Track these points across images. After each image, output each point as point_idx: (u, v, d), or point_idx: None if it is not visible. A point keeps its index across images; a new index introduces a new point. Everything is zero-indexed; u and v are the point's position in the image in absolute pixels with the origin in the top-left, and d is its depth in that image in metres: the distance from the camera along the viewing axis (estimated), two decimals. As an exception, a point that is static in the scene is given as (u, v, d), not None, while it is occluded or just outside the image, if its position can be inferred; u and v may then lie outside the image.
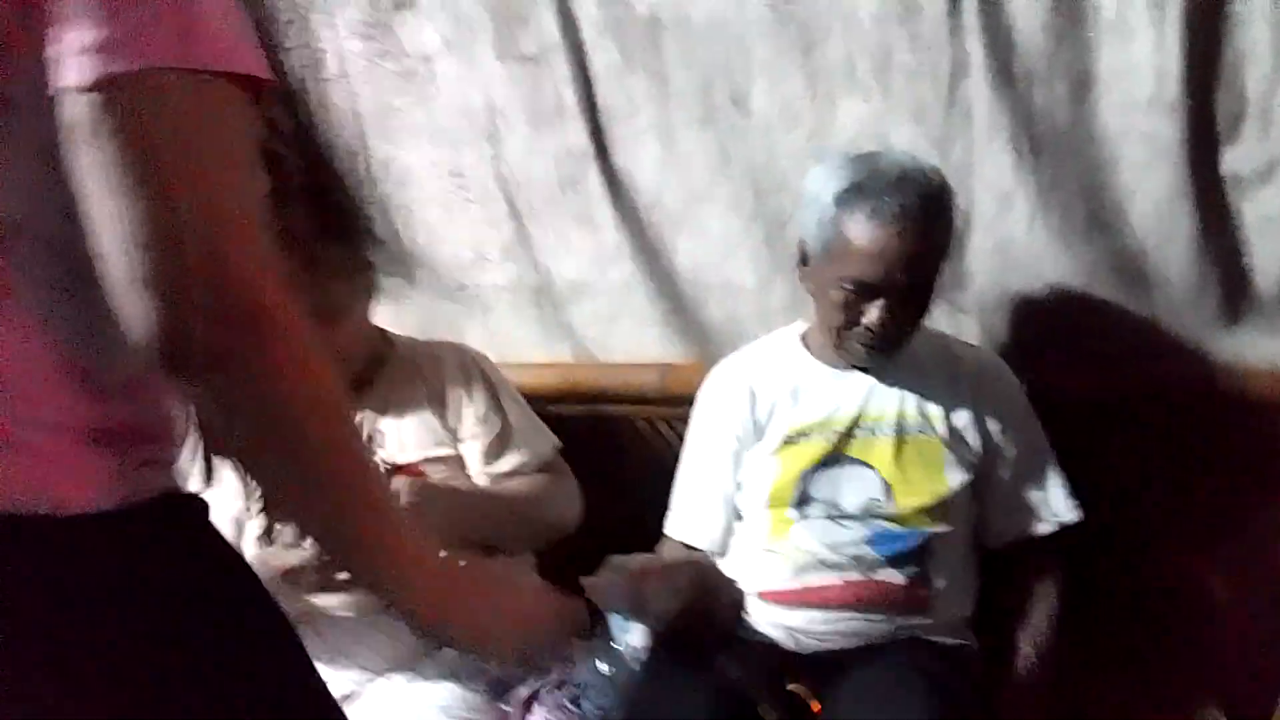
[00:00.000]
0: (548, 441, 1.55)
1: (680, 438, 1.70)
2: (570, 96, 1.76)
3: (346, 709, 1.33)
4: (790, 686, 1.28)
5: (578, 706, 1.29)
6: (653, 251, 1.78)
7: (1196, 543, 1.56)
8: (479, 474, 1.49)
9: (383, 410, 1.50)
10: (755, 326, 1.73)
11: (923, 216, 1.36)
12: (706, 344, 1.77)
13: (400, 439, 1.48)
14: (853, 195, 1.38)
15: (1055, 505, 1.46)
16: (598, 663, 1.32)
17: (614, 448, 1.75)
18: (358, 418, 1.49)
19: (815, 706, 1.24)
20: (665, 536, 1.55)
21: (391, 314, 1.86)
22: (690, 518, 1.53)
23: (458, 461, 1.50)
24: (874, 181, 1.38)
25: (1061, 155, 1.58)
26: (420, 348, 1.57)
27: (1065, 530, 1.46)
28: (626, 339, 1.80)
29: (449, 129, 1.83)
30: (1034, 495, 1.47)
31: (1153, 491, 1.56)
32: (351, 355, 1.47)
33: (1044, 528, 1.46)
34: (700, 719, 1.22)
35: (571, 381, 1.76)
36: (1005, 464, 1.46)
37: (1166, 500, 1.56)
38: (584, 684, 1.30)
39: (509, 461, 1.50)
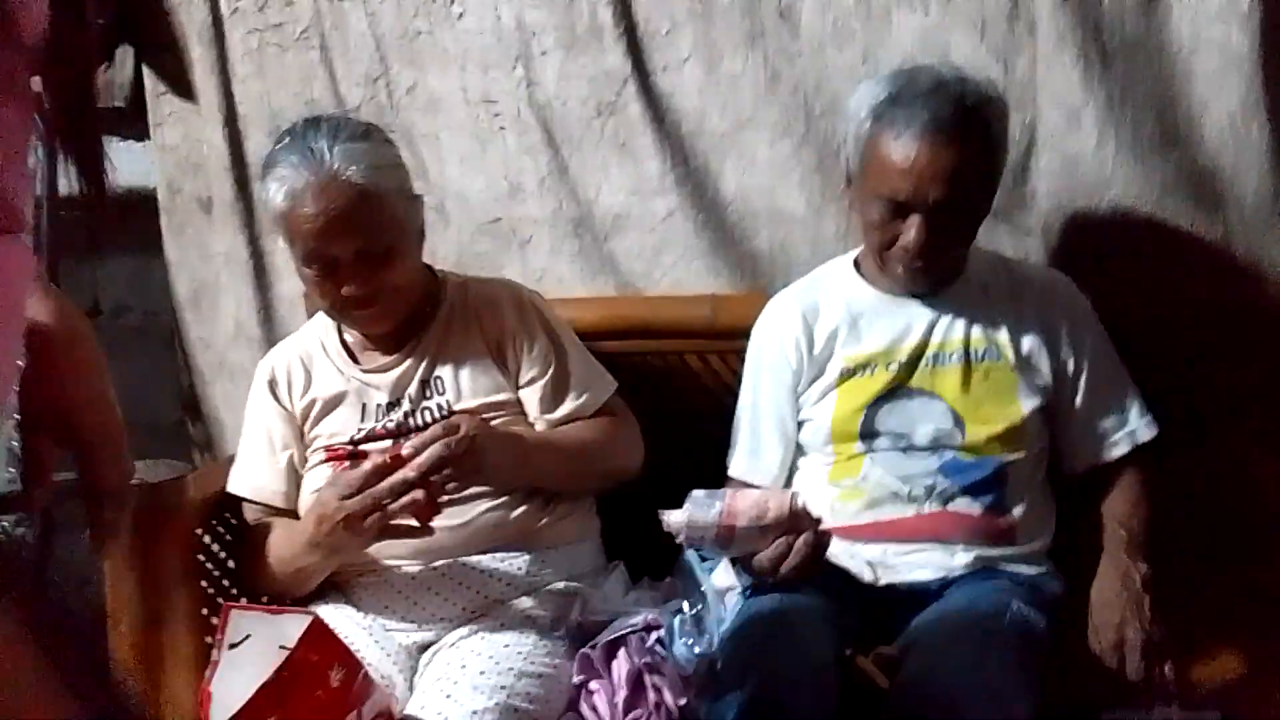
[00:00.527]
0: (607, 384, 1.49)
1: (733, 372, 1.65)
2: (607, 16, 1.67)
3: (425, 658, 1.33)
4: (859, 661, 1.23)
5: (666, 649, 1.24)
6: (698, 180, 1.70)
7: (1267, 467, 1.53)
8: (538, 419, 1.43)
9: (439, 355, 1.44)
10: (808, 256, 1.67)
11: (957, 128, 1.29)
12: (756, 275, 1.71)
13: (459, 385, 1.42)
14: (886, 108, 1.33)
15: (1132, 423, 1.42)
16: (684, 604, 1.27)
17: (663, 384, 1.69)
18: (415, 363, 1.43)
19: (883, 682, 1.20)
20: (728, 476, 1.50)
21: (424, 249, 1.79)
22: (751, 456, 1.48)
23: (517, 405, 1.44)
24: (908, 93, 1.32)
25: (1132, 67, 1.52)
26: (473, 287, 1.50)
27: (1141, 450, 1.42)
28: (672, 271, 1.73)
29: (477, 52, 1.74)
30: (1109, 416, 1.42)
31: (1222, 412, 1.53)
32: (406, 295, 1.41)
33: (1120, 449, 1.41)
34: (806, 664, 1.17)
35: (616, 316, 1.68)
36: (1078, 385, 1.41)
37: (1237, 421, 1.53)
38: (671, 626, 1.24)
39: (568, 406, 1.44)
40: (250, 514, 1.43)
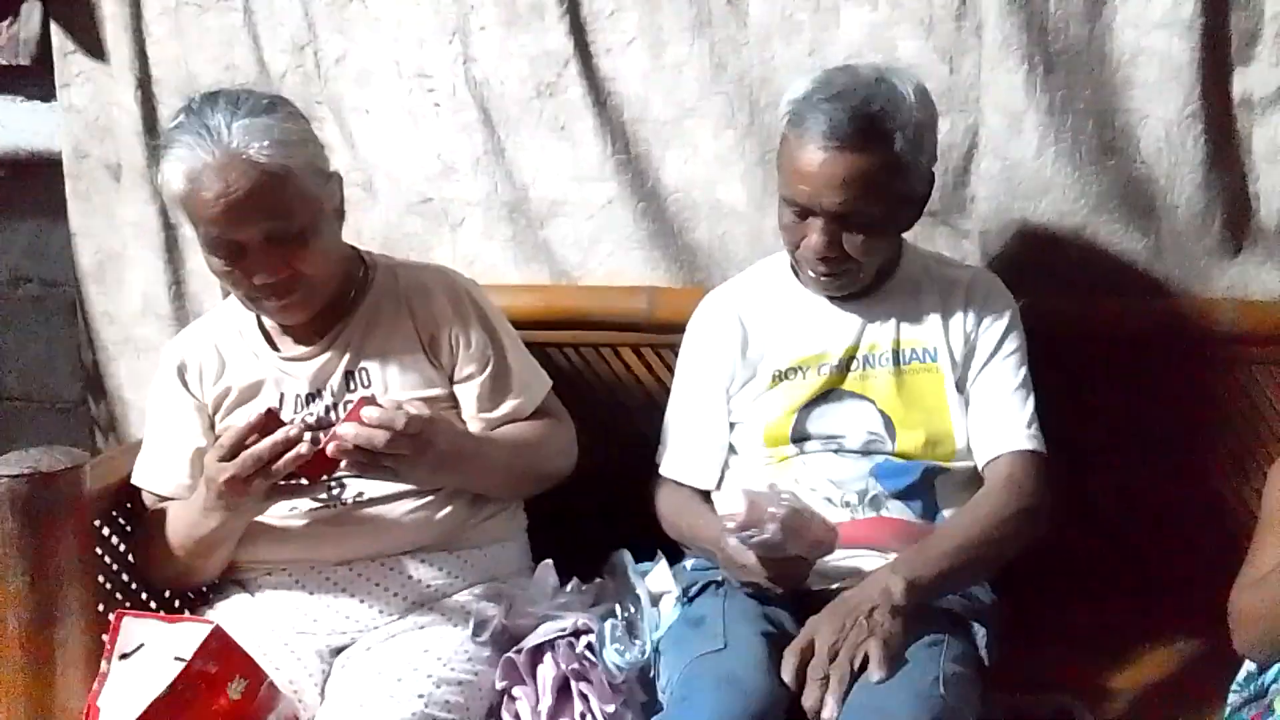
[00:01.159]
0: (543, 381, 1.44)
1: (668, 366, 1.62)
2: (550, -7, 1.61)
3: (338, 662, 1.27)
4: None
5: (595, 655, 1.20)
6: (638, 168, 1.66)
7: (1182, 477, 1.55)
8: (474, 418, 1.37)
9: (365, 345, 1.35)
10: (747, 250, 1.64)
11: (855, 137, 1.25)
12: (694, 269, 1.68)
13: (385, 377, 1.34)
14: (798, 107, 1.31)
15: (1016, 432, 1.34)
16: (616, 607, 1.23)
17: (597, 376, 1.65)
18: (338, 353, 1.35)
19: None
20: (659, 475, 1.46)
21: (348, 228, 1.71)
22: (685, 457, 1.45)
23: (450, 401, 1.37)
24: (818, 94, 1.29)
25: (1074, 74, 1.52)
26: (404, 273, 1.41)
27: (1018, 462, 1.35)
28: (608, 261, 1.69)
29: (413, 24, 1.67)
30: (999, 419, 1.36)
31: (1143, 424, 1.55)
32: (323, 281, 1.31)
33: (993, 453, 1.34)
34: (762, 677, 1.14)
35: (550, 305, 1.64)
36: (979, 380, 1.38)
37: (1154, 433, 1.55)
38: (601, 631, 1.20)
39: (507, 406, 1.37)
40: (152, 506, 1.35)
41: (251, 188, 1.21)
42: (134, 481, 1.36)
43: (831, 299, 1.41)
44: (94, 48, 1.78)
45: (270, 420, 1.17)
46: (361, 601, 1.29)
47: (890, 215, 1.33)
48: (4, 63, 1.83)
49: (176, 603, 1.41)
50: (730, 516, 1.19)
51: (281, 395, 1.35)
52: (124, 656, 1.08)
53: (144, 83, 1.76)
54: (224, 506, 1.21)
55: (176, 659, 1.05)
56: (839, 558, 1.29)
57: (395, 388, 1.33)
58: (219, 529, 1.24)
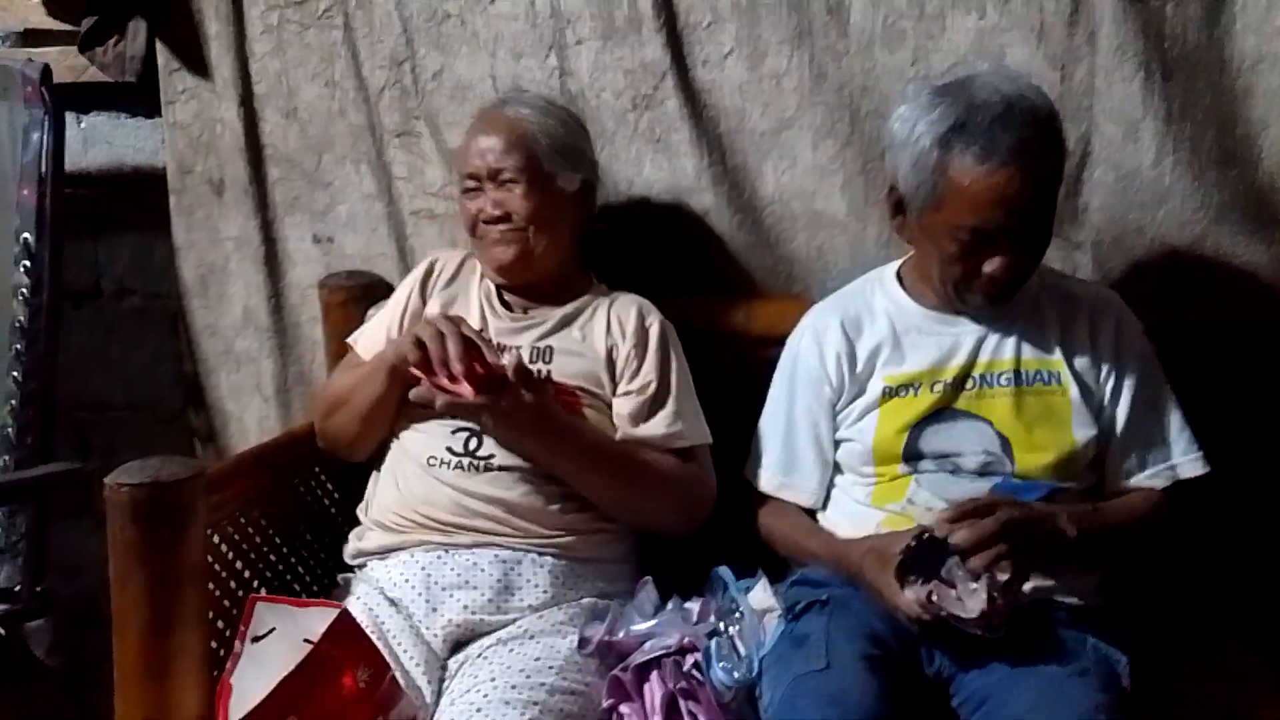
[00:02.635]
0: (702, 430, 1.47)
1: (767, 380, 1.59)
2: (646, 6, 1.61)
3: (452, 666, 1.27)
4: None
5: (702, 674, 1.18)
6: (735, 179, 1.64)
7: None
8: (623, 430, 1.43)
9: (559, 331, 1.48)
10: (847, 262, 1.61)
11: (1040, 150, 1.24)
12: (793, 280, 1.65)
13: (565, 361, 1.45)
14: (957, 135, 1.24)
15: (1176, 457, 1.36)
16: (721, 625, 1.21)
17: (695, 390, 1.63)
18: (534, 328, 1.48)
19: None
20: (760, 494, 1.44)
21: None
22: (787, 472, 1.42)
23: (606, 405, 1.45)
24: (979, 116, 1.23)
25: (1192, 81, 1.47)
26: (617, 296, 1.54)
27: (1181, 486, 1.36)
28: (706, 272, 1.67)
29: (509, 39, 1.67)
30: (1151, 446, 1.35)
31: (1264, 442, 1.48)
32: (538, 234, 1.47)
33: (1158, 481, 1.35)
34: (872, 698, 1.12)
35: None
36: (1120, 410, 1.35)
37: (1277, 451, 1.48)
38: (708, 650, 1.18)
39: (654, 427, 1.42)
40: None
41: (507, 133, 1.46)
42: (349, 339, 1.57)
43: (943, 313, 1.37)
44: (198, 65, 1.82)
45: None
46: (477, 590, 1.32)
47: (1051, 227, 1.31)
48: (111, 80, 1.87)
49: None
50: (949, 599, 1.15)
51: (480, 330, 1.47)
52: (256, 639, 1.10)
53: (246, 99, 1.79)
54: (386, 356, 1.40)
55: (305, 641, 1.06)
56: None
57: (568, 372, 1.44)
58: (382, 392, 1.41)
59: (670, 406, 1.43)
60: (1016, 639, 1.17)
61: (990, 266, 1.27)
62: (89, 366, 2.00)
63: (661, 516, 1.42)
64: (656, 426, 1.42)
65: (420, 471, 1.40)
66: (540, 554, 1.35)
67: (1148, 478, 1.35)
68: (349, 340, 1.56)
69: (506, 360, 1.34)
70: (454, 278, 1.55)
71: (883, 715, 1.11)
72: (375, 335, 1.52)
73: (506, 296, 1.53)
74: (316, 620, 1.09)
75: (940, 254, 1.30)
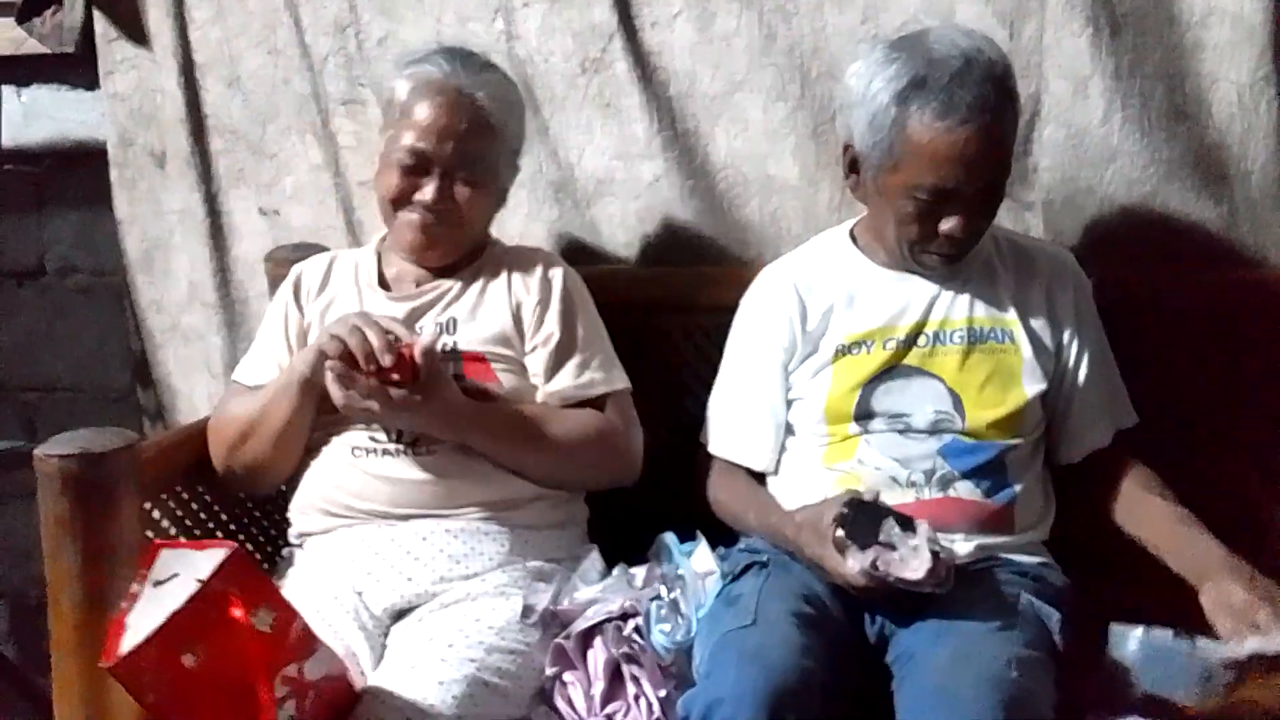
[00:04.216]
0: (618, 377, 1.43)
1: (717, 348, 1.58)
2: (594, -35, 1.58)
3: (393, 633, 1.25)
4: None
5: (643, 638, 1.17)
6: (686, 144, 1.62)
7: (1260, 451, 1.48)
8: (540, 388, 1.40)
9: (460, 299, 1.43)
10: (800, 227, 1.60)
11: (998, 106, 1.22)
12: (746, 246, 1.64)
13: (471, 330, 1.40)
14: (915, 92, 1.22)
15: (1118, 410, 1.37)
16: (663, 590, 1.20)
17: (644, 358, 1.61)
18: (433, 301, 1.43)
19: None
20: (711, 456, 1.43)
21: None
22: (740, 436, 1.41)
23: (519, 366, 1.41)
24: (937, 73, 1.21)
25: (1141, 37, 1.46)
26: (513, 250, 1.50)
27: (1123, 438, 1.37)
28: (657, 240, 1.65)
29: (455, 3, 1.65)
30: (1102, 403, 1.36)
31: (1216, 398, 1.48)
32: (468, 231, 1.43)
33: (1106, 436, 1.36)
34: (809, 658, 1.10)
35: (597, 286, 1.60)
36: (1079, 371, 1.35)
37: (1230, 407, 1.48)
38: (648, 613, 1.17)
39: (567, 378, 1.39)
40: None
41: (466, 121, 1.36)
42: (233, 376, 1.47)
43: (895, 271, 1.36)
44: (137, 34, 1.78)
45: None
46: (423, 564, 1.29)
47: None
48: (48, 51, 1.83)
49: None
50: (895, 563, 1.14)
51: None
52: (158, 584, 1.06)
53: (187, 68, 1.75)
54: (306, 377, 1.30)
55: (197, 580, 1.03)
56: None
57: (475, 340, 1.39)
58: (295, 409, 1.32)
59: (577, 357, 1.40)
60: (954, 597, 1.16)
61: (947, 225, 1.26)
62: (35, 346, 1.96)
63: (589, 473, 1.40)
64: (565, 379, 1.39)
65: (348, 464, 1.35)
66: (485, 523, 1.33)
67: (1104, 430, 1.36)
68: (233, 377, 1.47)
69: (417, 348, 1.26)
70: (324, 283, 1.46)
71: (806, 670, 1.09)
72: (263, 363, 1.43)
73: (390, 276, 1.46)
74: (210, 559, 1.06)
75: (896, 214, 1.29)
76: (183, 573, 1.06)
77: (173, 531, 1.35)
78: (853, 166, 1.33)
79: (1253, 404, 1.46)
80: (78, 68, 1.85)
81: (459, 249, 1.44)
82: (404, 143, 1.36)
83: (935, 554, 1.12)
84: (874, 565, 1.13)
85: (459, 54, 1.41)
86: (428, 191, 1.36)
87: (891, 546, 1.14)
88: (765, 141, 1.60)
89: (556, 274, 1.45)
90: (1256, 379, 1.46)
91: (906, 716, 1.10)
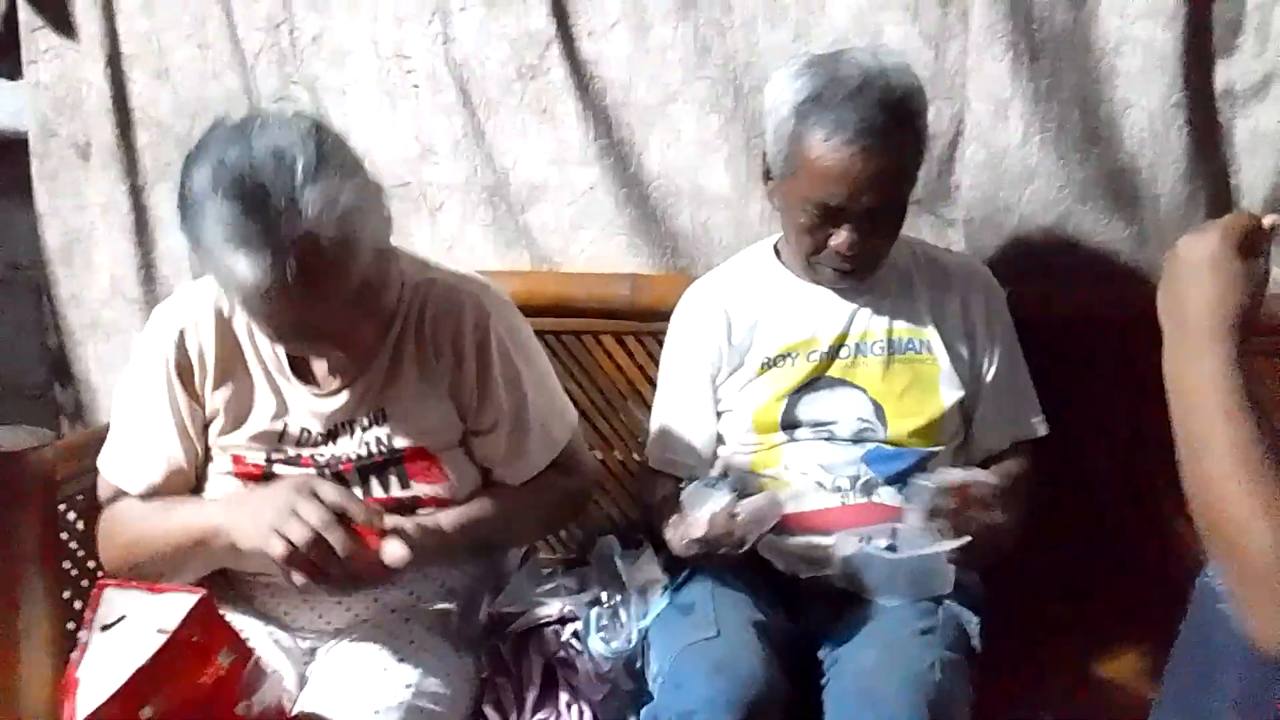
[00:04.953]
0: (566, 427, 1.32)
1: (650, 354, 1.60)
2: (532, -29, 1.58)
3: (321, 650, 1.22)
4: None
5: (581, 643, 1.17)
6: (621, 153, 1.63)
7: (1167, 464, 1.55)
8: (491, 468, 1.29)
9: (387, 383, 1.22)
10: (731, 237, 1.62)
11: (887, 130, 1.23)
12: (678, 255, 1.66)
13: (406, 420, 1.22)
14: (811, 107, 1.25)
15: (1023, 420, 1.41)
16: (603, 596, 1.21)
17: (579, 363, 1.63)
18: (359, 393, 1.22)
19: None
20: (644, 465, 1.44)
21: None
22: (671, 447, 1.43)
23: (460, 445, 1.26)
24: (833, 91, 1.24)
25: (1059, 62, 1.52)
26: (436, 294, 1.23)
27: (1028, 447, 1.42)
28: (590, 248, 1.66)
29: (391, 3, 1.63)
30: (1007, 410, 1.41)
31: (1125, 409, 1.54)
32: (374, 342, 1.18)
33: (1005, 443, 1.41)
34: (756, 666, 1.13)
35: (531, 291, 1.60)
36: (985, 377, 1.40)
37: (1138, 421, 1.55)
38: (587, 619, 1.18)
39: (524, 468, 1.28)
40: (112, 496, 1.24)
41: (314, 285, 1.02)
42: (102, 471, 1.24)
43: (818, 285, 1.40)
44: (62, 23, 1.73)
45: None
46: (348, 608, 1.23)
47: (907, 205, 1.32)
48: (-33, 38, 1.77)
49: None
50: (687, 523, 1.18)
51: (286, 425, 1.22)
52: (105, 628, 1.04)
53: (114, 59, 1.71)
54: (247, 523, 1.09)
55: (159, 630, 1.01)
56: (827, 542, 1.28)
57: (413, 431, 1.22)
58: (215, 560, 1.18)
59: (533, 433, 1.26)
60: (873, 602, 1.20)
61: (836, 240, 1.30)
62: (-54, 341, 1.90)
63: (555, 527, 1.41)
64: (528, 464, 1.27)
65: None
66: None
67: (1006, 438, 1.41)
68: (103, 474, 1.22)
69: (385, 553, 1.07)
70: (226, 354, 1.20)
71: (770, 680, 1.12)
72: (148, 462, 1.20)
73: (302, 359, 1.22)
74: (173, 606, 1.03)
75: (793, 224, 1.33)
76: (133, 615, 1.03)
77: (85, 530, 1.32)
78: (766, 175, 1.37)
79: (1160, 415, 1.52)
80: (-3, 56, 1.79)
81: (365, 358, 1.21)
82: (272, 335, 1.12)
83: (732, 516, 1.16)
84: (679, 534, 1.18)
85: (252, 187, 0.99)
86: (323, 361, 1.18)
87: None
88: (698, 153, 1.62)
89: (487, 330, 1.23)
90: (1160, 389, 1.52)
91: (834, 716, 1.13)
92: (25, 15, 1.74)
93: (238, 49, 1.68)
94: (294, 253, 0.98)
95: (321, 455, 1.22)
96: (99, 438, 1.28)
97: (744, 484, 1.22)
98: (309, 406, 1.22)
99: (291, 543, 1.03)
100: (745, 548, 1.16)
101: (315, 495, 1.06)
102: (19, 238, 1.85)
